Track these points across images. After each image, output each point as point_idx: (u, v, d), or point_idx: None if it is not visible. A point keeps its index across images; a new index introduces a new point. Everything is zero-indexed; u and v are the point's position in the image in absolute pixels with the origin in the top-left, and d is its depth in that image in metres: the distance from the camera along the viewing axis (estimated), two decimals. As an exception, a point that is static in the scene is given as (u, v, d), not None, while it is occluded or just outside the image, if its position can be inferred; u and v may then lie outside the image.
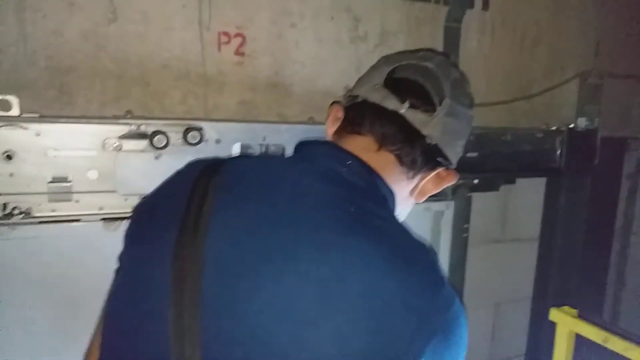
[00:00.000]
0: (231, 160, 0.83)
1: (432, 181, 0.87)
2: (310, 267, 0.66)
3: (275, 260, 0.67)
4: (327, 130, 0.88)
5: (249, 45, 1.54)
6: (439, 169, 0.86)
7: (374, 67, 0.88)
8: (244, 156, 0.88)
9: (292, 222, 0.70)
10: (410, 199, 0.88)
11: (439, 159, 0.84)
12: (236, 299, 0.66)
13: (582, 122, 2.15)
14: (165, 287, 0.67)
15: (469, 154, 1.91)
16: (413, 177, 0.84)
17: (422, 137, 0.80)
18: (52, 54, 1.32)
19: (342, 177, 0.77)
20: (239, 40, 1.52)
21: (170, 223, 0.72)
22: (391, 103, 0.80)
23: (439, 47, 1.84)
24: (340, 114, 0.86)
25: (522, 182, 2.14)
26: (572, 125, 2.11)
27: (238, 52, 1.53)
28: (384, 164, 0.81)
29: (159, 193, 0.84)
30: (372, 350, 0.63)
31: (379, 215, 0.74)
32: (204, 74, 1.49)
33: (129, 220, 0.84)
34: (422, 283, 0.68)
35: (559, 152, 2.07)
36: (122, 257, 0.82)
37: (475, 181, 1.98)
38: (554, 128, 2.06)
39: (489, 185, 2.05)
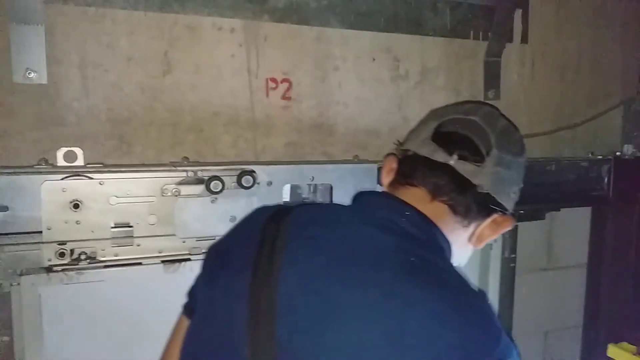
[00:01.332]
0: (296, 208, 0.88)
1: (488, 227, 0.90)
2: (376, 314, 0.69)
3: (342, 307, 0.70)
4: (383, 181, 0.93)
5: (295, 90, 1.60)
6: (495, 216, 0.89)
7: (422, 122, 0.93)
8: (307, 204, 0.94)
9: (356, 271, 0.73)
10: (469, 245, 0.91)
11: (493, 207, 0.87)
12: (308, 343, 0.70)
13: (628, 150, 2.12)
14: (242, 330, 0.72)
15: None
16: (468, 225, 0.88)
17: (473, 186, 0.84)
18: (112, 106, 1.40)
19: (402, 228, 0.81)
20: (285, 85, 1.59)
21: (243, 267, 0.78)
22: (440, 156, 0.84)
23: (479, 81, 1.87)
24: (395, 165, 0.92)
25: (567, 210, 2.12)
26: (618, 153, 2.09)
27: (285, 97, 1.59)
28: (439, 213, 0.85)
29: (230, 237, 0.91)
30: None
31: (438, 266, 0.77)
32: (253, 119, 1.55)
33: (202, 262, 0.92)
34: (482, 334, 0.71)
35: (605, 180, 2.04)
36: (194, 296, 0.91)
37: (521, 211, 1.97)
38: (599, 157, 2.04)
39: (534, 215, 2.04)
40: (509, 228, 0.91)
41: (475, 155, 0.84)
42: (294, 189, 1.47)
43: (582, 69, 2.09)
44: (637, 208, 2.17)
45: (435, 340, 0.67)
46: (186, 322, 0.91)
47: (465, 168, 0.83)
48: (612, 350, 1.56)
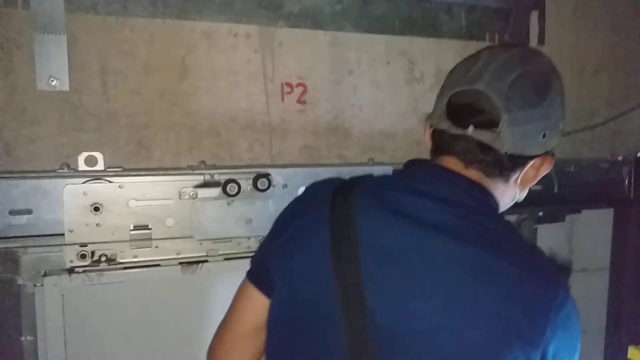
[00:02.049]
0: (358, 180, 0.95)
1: (529, 173, 0.93)
2: (451, 283, 0.80)
3: (421, 279, 0.81)
4: (427, 145, 1.00)
5: (310, 94, 1.62)
6: (532, 162, 0.92)
7: (440, 92, 0.96)
8: (367, 177, 0.98)
9: (427, 242, 0.83)
10: (515, 189, 0.96)
11: (521, 161, 0.91)
12: (396, 311, 0.80)
13: (650, 151, 2.10)
14: (333, 309, 0.82)
15: (532, 187, 1.90)
16: (508, 180, 0.92)
17: (494, 151, 0.88)
18: (131, 112, 1.44)
19: (458, 197, 0.88)
20: (300, 89, 1.61)
21: (321, 246, 0.86)
22: (457, 130, 0.89)
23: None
24: (429, 136, 0.98)
25: (588, 212, 2.09)
26: (639, 154, 2.06)
27: (300, 101, 1.61)
28: (477, 178, 0.91)
29: (299, 213, 0.97)
30: (506, 344, 0.78)
31: (494, 230, 0.86)
32: (268, 123, 1.58)
33: (273, 234, 1.00)
34: (543, 287, 0.81)
35: (626, 181, 2.02)
36: (263, 268, 0.96)
37: (540, 213, 1.96)
38: (619, 158, 2.02)
39: (554, 217, 2.02)
40: (550, 168, 0.94)
41: (488, 122, 0.87)
42: (309, 192, 1.49)
43: (601, 69, 2.06)
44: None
45: (503, 301, 0.79)
46: (254, 291, 0.96)
47: (483, 136, 0.87)
48: (632, 352, 1.53)
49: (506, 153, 0.87)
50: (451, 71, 0.97)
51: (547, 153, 0.93)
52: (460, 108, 0.90)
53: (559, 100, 0.92)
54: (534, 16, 1.92)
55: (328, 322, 0.82)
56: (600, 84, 2.07)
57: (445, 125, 0.90)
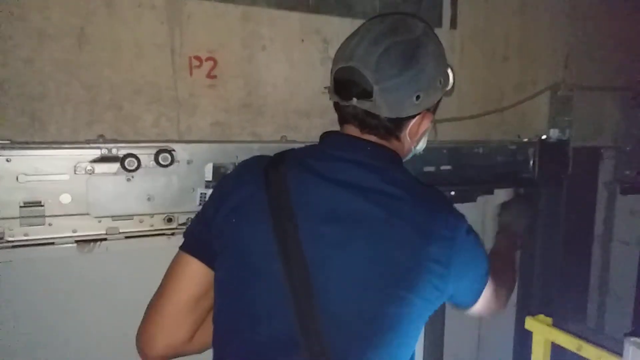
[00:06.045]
0: (287, 153, 1.08)
1: (413, 130, 1.08)
2: (373, 228, 0.94)
3: (348, 230, 0.94)
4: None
5: (221, 68, 1.58)
6: (413, 120, 1.06)
7: (331, 71, 1.09)
8: (294, 150, 1.11)
9: (347, 198, 0.96)
10: (409, 143, 1.10)
11: (402, 121, 1.05)
12: (332, 256, 0.92)
13: (554, 134, 2.20)
14: (275, 261, 0.92)
15: (443, 167, 1.95)
16: (399, 137, 1.07)
17: (377, 116, 1.02)
18: (23, 82, 1.35)
19: (365, 157, 1.01)
20: (210, 63, 1.56)
21: (261, 212, 0.97)
22: (345, 102, 1.03)
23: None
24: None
25: (500, 193, 2.17)
26: (544, 137, 2.16)
27: (210, 76, 1.56)
28: (374, 140, 1.05)
29: (235, 184, 1.06)
30: (427, 269, 0.93)
31: (400, 179, 1.00)
32: (176, 98, 1.52)
33: (209, 206, 1.08)
34: (446, 216, 0.99)
35: (531, 163, 2.11)
36: (200, 238, 1.05)
37: (452, 193, 2.02)
38: (525, 140, 2.11)
39: (465, 197, 2.08)
40: (430, 121, 1.09)
41: (365, 93, 1.00)
42: (216, 169, 1.46)
43: (511, 55, 2.13)
44: (564, 189, 2.25)
45: (415, 236, 0.94)
46: (194, 262, 1.03)
47: (365, 105, 1.01)
48: (529, 322, 1.61)
49: (386, 117, 1.02)
50: (337, 50, 1.09)
51: (428, 110, 1.08)
52: (343, 83, 1.03)
53: (431, 63, 1.02)
54: (447, 0, 1.95)
55: (273, 277, 0.92)
56: (510, 69, 2.14)
57: (336, 98, 1.05)
